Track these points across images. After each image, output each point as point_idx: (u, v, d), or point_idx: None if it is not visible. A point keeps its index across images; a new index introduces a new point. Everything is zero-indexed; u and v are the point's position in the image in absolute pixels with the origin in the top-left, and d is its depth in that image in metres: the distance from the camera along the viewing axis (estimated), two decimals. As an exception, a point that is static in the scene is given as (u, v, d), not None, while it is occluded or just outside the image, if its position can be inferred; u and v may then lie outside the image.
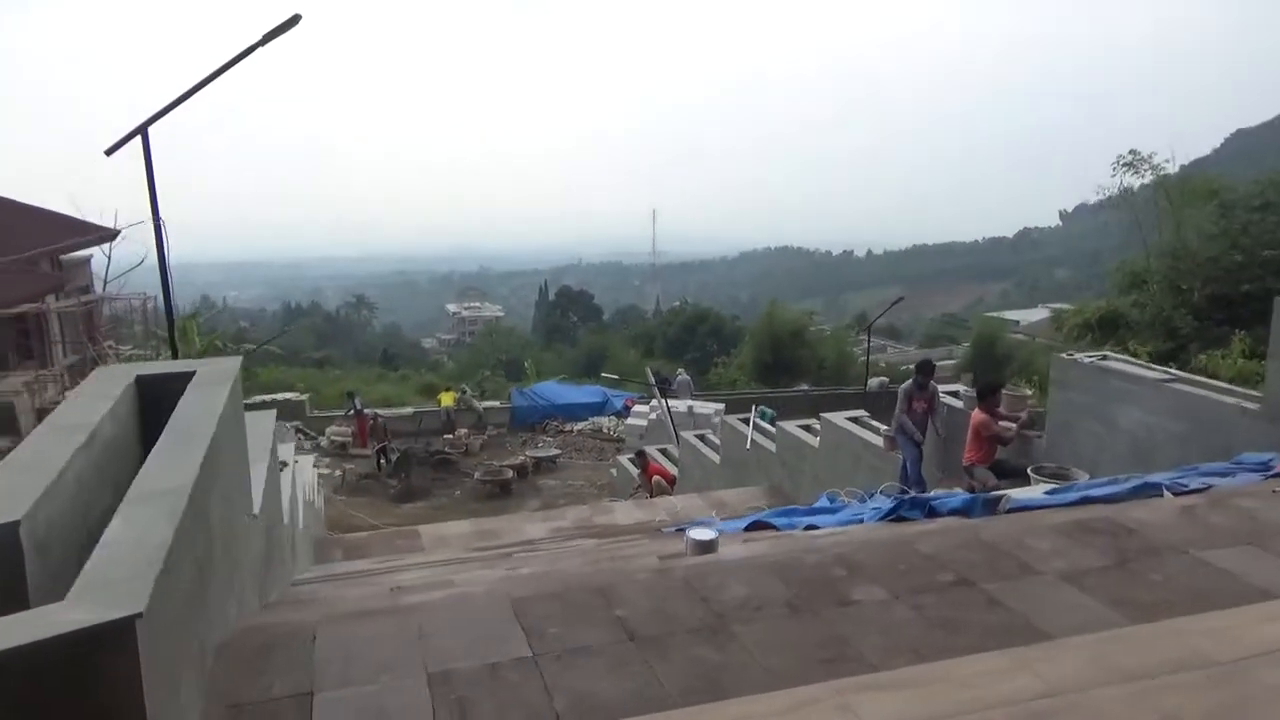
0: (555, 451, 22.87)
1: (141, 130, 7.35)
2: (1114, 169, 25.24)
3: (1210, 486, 5.17)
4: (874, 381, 28.16)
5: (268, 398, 25.30)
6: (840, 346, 49.65)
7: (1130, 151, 25.13)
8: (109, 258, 37.45)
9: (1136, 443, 7.18)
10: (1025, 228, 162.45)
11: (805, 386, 30.46)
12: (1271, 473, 5.52)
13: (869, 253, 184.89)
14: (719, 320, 69.31)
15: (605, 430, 24.99)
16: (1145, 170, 24.99)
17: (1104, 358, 7.83)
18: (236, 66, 7.70)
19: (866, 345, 29.03)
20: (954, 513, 5.22)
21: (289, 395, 25.58)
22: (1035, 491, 5.63)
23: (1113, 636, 2.79)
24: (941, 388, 10.14)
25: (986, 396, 8.35)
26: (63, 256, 28.55)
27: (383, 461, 21.89)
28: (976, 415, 8.32)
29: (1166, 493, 4.87)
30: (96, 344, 27.77)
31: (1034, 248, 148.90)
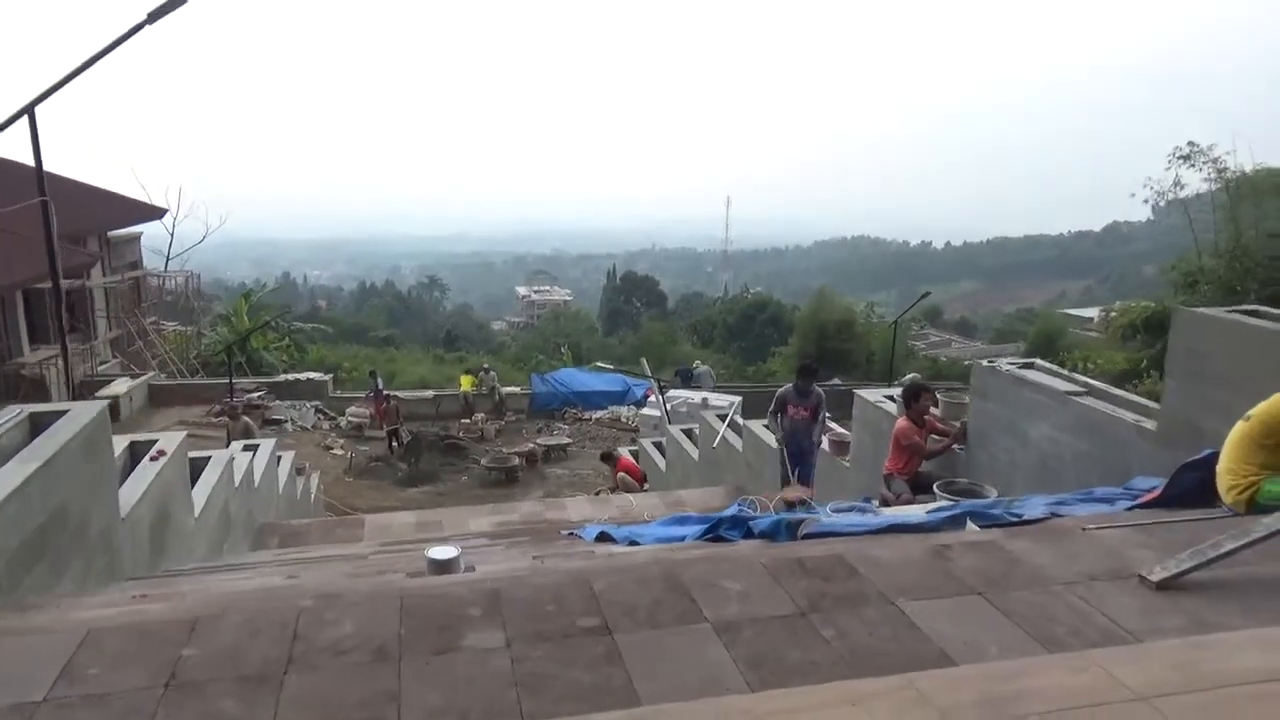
0: (566, 440, 22.66)
1: (29, 110, 7.26)
2: (1169, 162, 23.75)
3: (1052, 516, 4.60)
4: (906, 379, 27.18)
5: (290, 377, 25.65)
6: (899, 338, 48.29)
7: (1189, 144, 23.59)
8: (172, 235, 38.70)
9: (1045, 460, 6.56)
10: (1114, 221, 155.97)
11: (837, 381, 29.52)
12: (1134, 502, 4.91)
13: (947, 244, 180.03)
14: (779, 309, 68.05)
15: (623, 420, 24.69)
16: (1204, 164, 23.43)
17: (1028, 365, 7.18)
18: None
19: (893, 338, 27.96)
20: (763, 535, 4.76)
21: (312, 375, 25.85)
22: (852, 514, 5.11)
23: (678, 711, 2.37)
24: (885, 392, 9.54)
25: (910, 402, 7.76)
26: (110, 233, 29.39)
27: (394, 444, 21.97)
28: (899, 423, 7.74)
29: (971, 524, 4.32)
30: (137, 319, 28.54)
31: (1122, 242, 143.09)
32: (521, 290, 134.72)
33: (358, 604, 3.15)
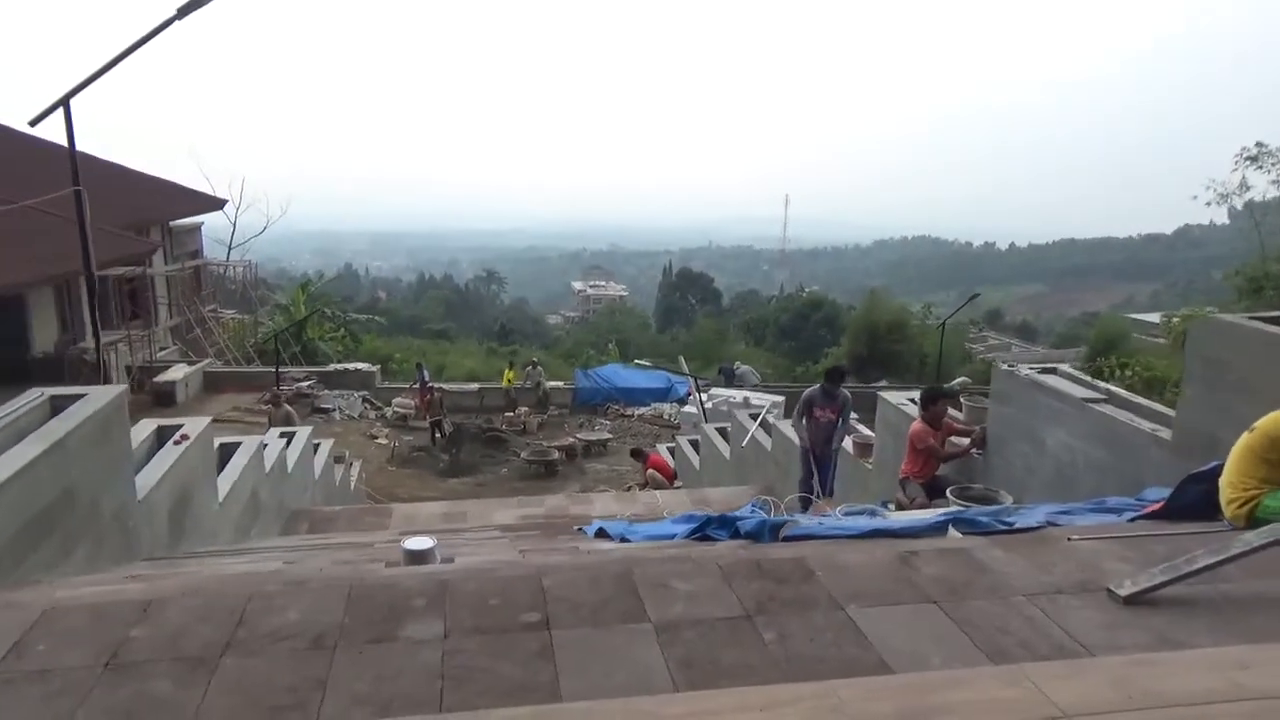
0: (607, 435, 22.70)
1: (64, 102, 7.48)
2: (1235, 163, 22.96)
3: (1046, 525, 4.46)
4: (956, 383, 26.71)
5: (340, 367, 26.10)
6: (954, 341, 47.42)
7: (1257, 144, 22.79)
8: (234, 225, 39.69)
9: (1061, 468, 6.37)
10: (1185, 225, 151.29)
11: (884, 382, 29.14)
12: (1136, 514, 4.74)
13: (1012, 245, 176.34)
14: (833, 309, 67.33)
15: (666, 416, 24.65)
16: (1272, 165, 22.61)
17: (1048, 370, 6.98)
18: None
19: (940, 340, 27.43)
20: (748, 536, 4.69)
21: (360, 366, 26.29)
22: (839, 516, 5.01)
23: (585, 709, 2.35)
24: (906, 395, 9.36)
25: (927, 405, 7.60)
26: (173, 223, 30.22)
27: (437, 435, 22.23)
28: (914, 426, 7.59)
29: (954, 530, 4.21)
30: (195, 307, 29.29)
31: (1193, 246, 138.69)
32: (577, 285, 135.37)
33: (312, 592, 3.18)
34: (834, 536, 4.40)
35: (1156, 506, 4.67)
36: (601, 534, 6.03)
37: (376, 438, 22.74)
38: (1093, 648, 2.80)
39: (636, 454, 15.94)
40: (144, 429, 7.78)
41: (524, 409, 24.43)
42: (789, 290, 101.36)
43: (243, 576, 4.11)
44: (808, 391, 9.76)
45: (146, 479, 6.62)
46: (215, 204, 31.69)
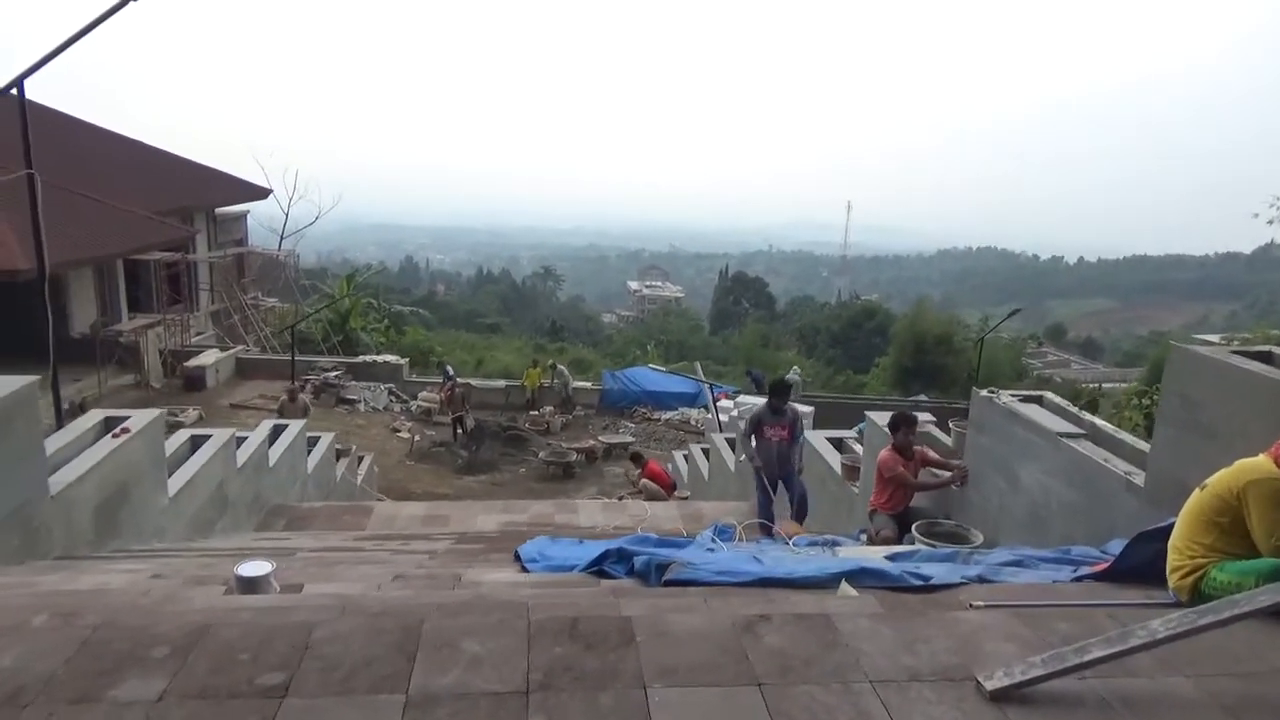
0: (629, 439, 22.23)
1: (17, 83, 7.28)
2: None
3: (966, 583, 3.90)
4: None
5: (369, 359, 26.08)
6: (1007, 357, 46.02)
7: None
8: (286, 215, 40.20)
9: (1034, 508, 5.75)
10: (1268, 243, 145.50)
11: (923, 396, 28.21)
12: (1081, 573, 4.15)
13: (1080, 259, 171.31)
14: (887, 318, 65.98)
15: (693, 422, 24.10)
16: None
17: (1032, 399, 6.34)
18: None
19: (978, 354, 26.37)
20: (638, 574, 4.22)
21: (389, 358, 26.22)
22: (731, 558, 4.48)
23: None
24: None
25: (895, 431, 6.97)
26: (218, 210, 30.58)
27: (458, 431, 22.01)
28: (882, 453, 6.99)
29: (846, 585, 3.67)
30: (236, 294, 29.58)
31: (1275, 266, 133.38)
32: (633, 285, 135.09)
33: (41, 632, 2.80)
34: (720, 583, 3.91)
35: (1103, 566, 4.08)
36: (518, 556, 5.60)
37: (399, 431, 22.62)
38: (925, 760, 2.28)
39: (636, 458, 15.48)
40: (90, 419, 7.57)
41: (549, 408, 24.10)
42: (846, 297, 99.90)
43: (44, 596, 3.75)
44: (755, 410, 9.21)
45: (67, 474, 6.35)
46: (261, 192, 31.99)
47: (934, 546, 5.83)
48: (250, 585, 3.73)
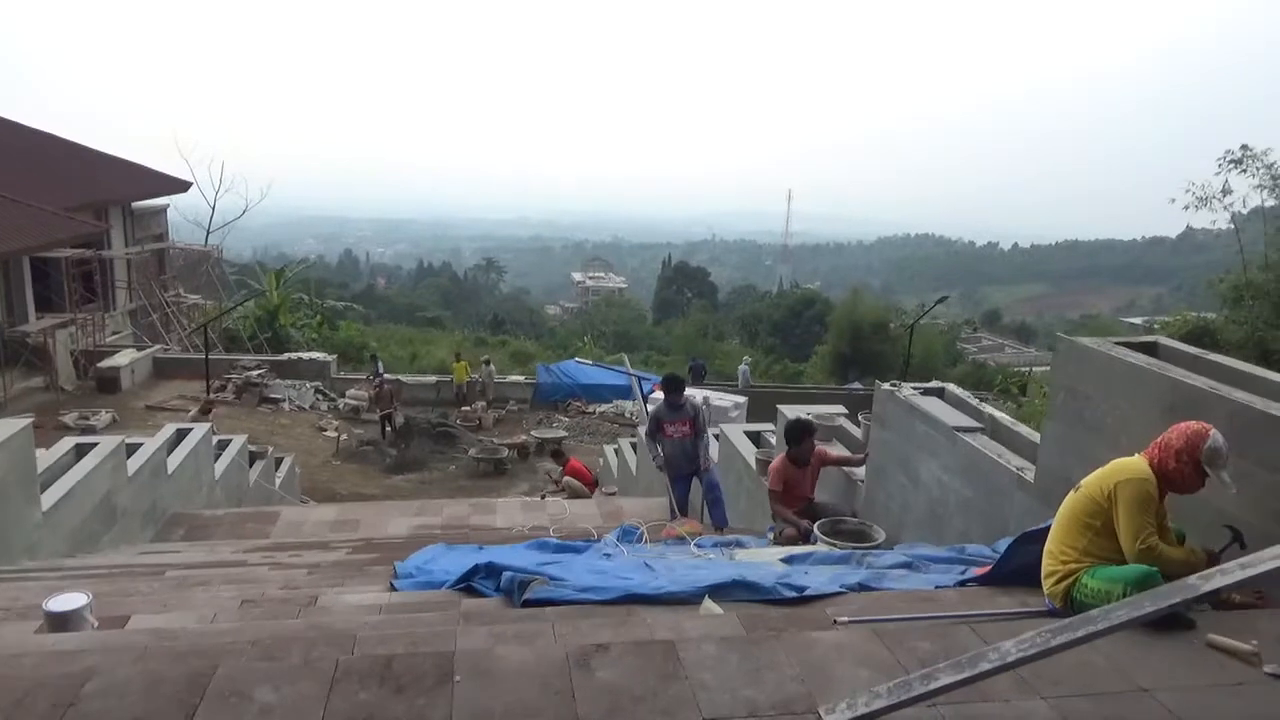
0: (562, 433, 21.95)
1: None
2: (1219, 166, 22.00)
3: (844, 591, 3.72)
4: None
5: (294, 356, 25.41)
6: (942, 342, 46.65)
7: (1241, 147, 21.83)
8: (213, 209, 39.02)
9: (933, 505, 5.62)
10: (1190, 228, 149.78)
11: (858, 385, 28.34)
12: (963, 576, 4.00)
13: (1015, 245, 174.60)
14: (826, 305, 66.41)
15: (627, 415, 23.91)
16: (1258, 169, 21.64)
17: (933, 391, 6.20)
18: None
19: (908, 341, 26.55)
20: (504, 591, 3.97)
21: (315, 355, 25.55)
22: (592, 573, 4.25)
23: None
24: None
25: (792, 441, 6.64)
26: (135, 204, 29.47)
27: (387, 429, 21.52)
28: (774, 461, 6.74)
29: (710, 602, 3.46)
30: (156, 291, 28.58)
31: (1198, 250, 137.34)
32: (577, 276, 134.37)
33: None
34: (583, 601, 3.67)
35: (984, 570, 3.93)
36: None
37: (325, 430, 22.04)
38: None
39: (557, 455, 15.22)
40: (-51, 431, 7.08)
41: (481, 404, 23.70)
42: (788, 286, 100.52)
43: None
44: (655, 407, 8.98)
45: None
46: (181, 186, 30.95)
47: (834, 546, 5.67)
48: (60, 622, 3.39)
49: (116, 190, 27.99)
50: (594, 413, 24.25)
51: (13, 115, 29.17)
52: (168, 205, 32.03)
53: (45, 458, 8.42)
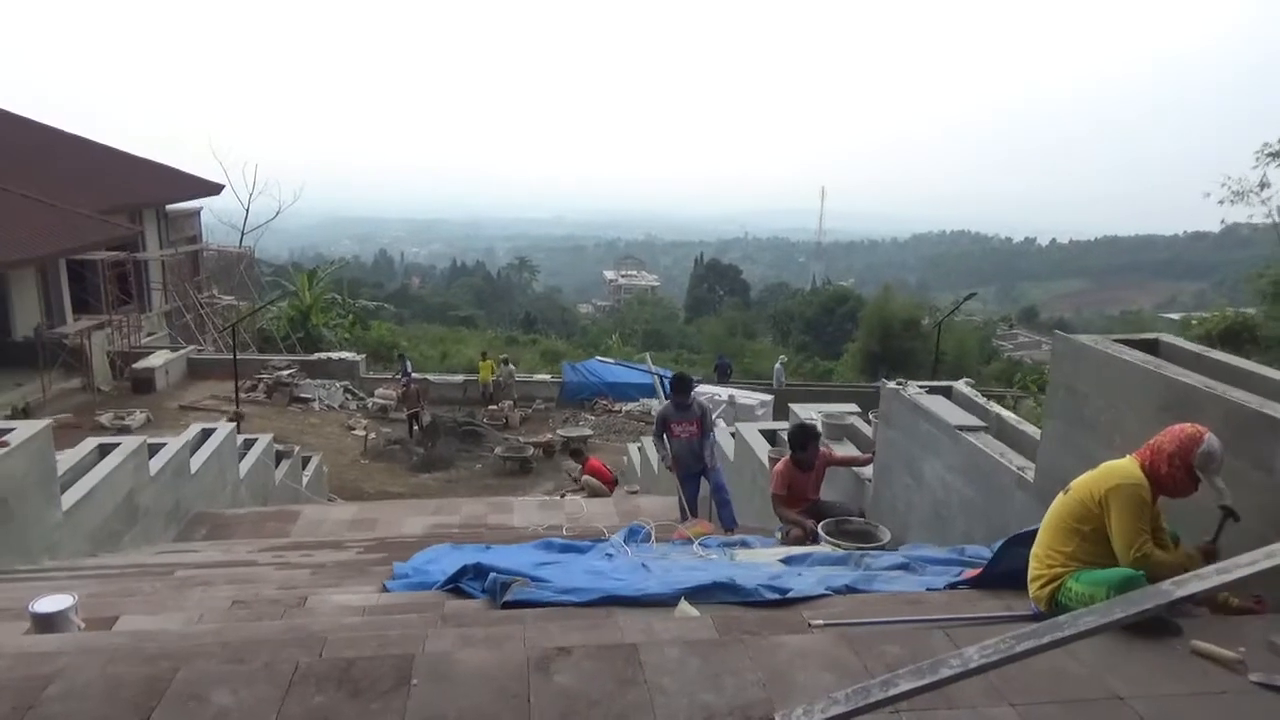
0: (588, 432, 21.98)
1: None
2: (1256, 159, 21.53)
3: (830, 593, 3.67)
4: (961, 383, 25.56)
5: (324, 356, 25.67)
6: (976, 339, 45.99)
7: (1280, 140, 21.36)
8: (247, 211, 39.57)
9: (937, 505, 5.53)
10: (1234, 223, 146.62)
11: (884, 381, 27.92)
12: (954, 579, 3.92)
13: (1053, 241, 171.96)
14: (858, 303, 65.83)
15: (653, 414, 23.86)
16: (1297, 163, 21.14)
17: (940, 390, 6.10)
18: None
19: (936, 338, 26.23)
20: (488, 592, 3.96)
21: (344, 355, 25.80)
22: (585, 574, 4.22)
23: None
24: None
25: (796, 447, 6.57)
26: (169, 207, 29.96)
27: (414, 428, 21.68)
28: (777, 465, 6.67)
29: (685, 604, 3.42)
30: (190, 293, 29.03)
31: (1241, 245, 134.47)
32: (609, 274, 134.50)
33: None
34: (563, 603, 3.65)
35: (974, 572, 3.86)
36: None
37: (354, 429, 22.25)
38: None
39: (576, 454, 15.21)
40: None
41: (507, 403, 23.79)
42: (821, 283, 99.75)
43: None
44: (662, 407, 8.95)
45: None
46: (213, 188, 31.41)
47: (837, 547, 5.60)
48: (47, 623, 3.43)
49: (150, 193, 28.48)
50: (620, 411, 24.24)
51: (54, 123, 29.76)
52: (201, 208, 32.52)
53: (68, 458, 8.58)
